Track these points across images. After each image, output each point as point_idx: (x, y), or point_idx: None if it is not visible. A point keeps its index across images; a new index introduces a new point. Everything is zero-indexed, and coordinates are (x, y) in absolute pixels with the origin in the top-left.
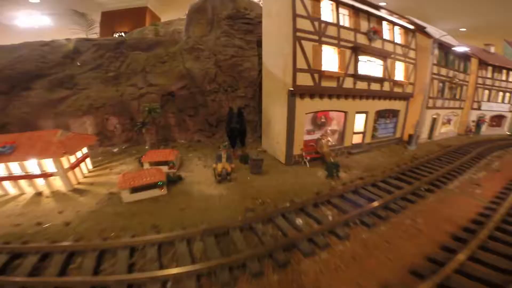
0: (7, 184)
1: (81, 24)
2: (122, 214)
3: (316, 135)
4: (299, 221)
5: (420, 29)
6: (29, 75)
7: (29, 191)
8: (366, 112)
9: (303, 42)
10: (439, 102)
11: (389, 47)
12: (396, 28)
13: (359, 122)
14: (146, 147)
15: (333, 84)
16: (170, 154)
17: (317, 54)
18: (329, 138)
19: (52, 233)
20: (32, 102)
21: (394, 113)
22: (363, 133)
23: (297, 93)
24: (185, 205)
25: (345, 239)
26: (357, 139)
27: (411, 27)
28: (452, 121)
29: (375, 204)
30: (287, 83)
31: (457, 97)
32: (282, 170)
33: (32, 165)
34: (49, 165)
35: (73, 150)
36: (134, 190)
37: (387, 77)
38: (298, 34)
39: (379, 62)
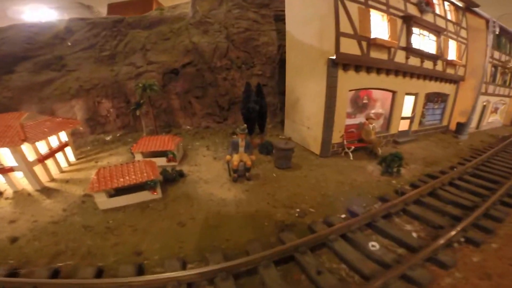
0: None
1: (87, 16)
2: (94, 228)
3: (357, 119)
4: (372, 245)
5: (471, 7)
6: (13, 57)
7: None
8: (415, 94)
9: (346, 2)
10: (490, 88)
11: (440, 23)
12: (446, 3)
13: (407, 105)
14: (144, 134)
15: (384, 56)
16: (169, 142)
17: (365, 18)
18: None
19: None
20: (14, 85)
21: (443, 98)
22: (411, 118)
23: (340, 63)
24: (186, 216)
25: (452, 267)
26: (403, 125)
27: (461, 4)
28: (499, 110)
29: (473, 212)
30: (326, 50)
31: (508, 84)
32: (318, 163)
33: None
34: (8, 156)
35: (37, 136)
36: (115, 192)
37: (440, 55)
38: None
39: (432, 37)
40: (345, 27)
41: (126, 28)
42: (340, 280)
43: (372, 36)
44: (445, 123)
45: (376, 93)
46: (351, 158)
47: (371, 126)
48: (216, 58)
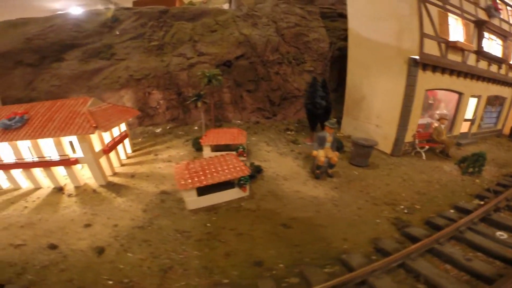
0: (17, 174)
1: None
2: (192, 234)
3: (424, 119)
4: (500, 234)
5: None
6: (61, 45)
7: (46, 184)
8: (478, 97)
9: (428, 5)
10: None
11: (505, 27)
12: (509, 8)
13: (470, 107)
14: (195, 128)
15: (458, 58)
16: (238, 135)
17: (444, 21)
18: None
19: (73, 269)
20: (63, 74)
21: (500, 101)
22: (472, 121)
23: (421, 62)
24: (286, 217)
25: None
26: (464, 128)
27: None
28: None
29: None
30: (406, 49)
31: None
32: (393, 162)
33: (49, 147)
34: (74, 146)
35: (108, 124)
36: (203, 190)
37: (505, 58)
38: None
39: (499, 41)
40: (427, 28)
41: (171, 19)
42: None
43: (451, 39)
44: (499, 126)
45: (440, 94)
46: (424, 158)
47: (443, 126)
48: (269, 52)
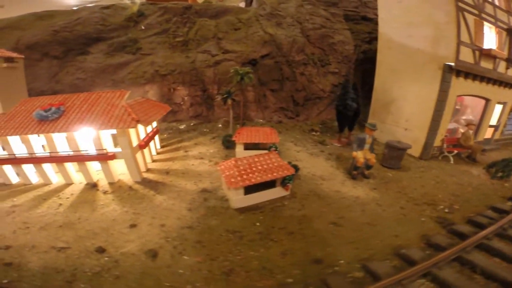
0: (48, 168)
1: None
2: (243, 233)
3: (451, 125)
4: None
5: None
6: (87, 38)
7: (78, 180)
8: (504, 103)
9: (465, 14)
10: None
11: None
12: None
13: (495, 114)
14: (219, 125)
15: (490, 65)
16: (272, 134)
17: (479, 29)
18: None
19: (129, 276)
20: (88, 67)
21: None
22: (496, 127)
23: (455, 69)
24: (334, 216)
25: None
26: (487, 134)
27: None
28: None
29: None
30: (441, 56)
31: None
32: (422, 165)
33: (85, 141)
34: (109, 141)
35: (147, 118)
36: (248, 189)
37: None
38: (460, 4)
39: None
40: (463, 36)
41: (194, 16)
42: None
43: (484, 46)
44: None
45: (467, 100)
46: (452, 162)
47: (470, 132)
48: (294, 52)
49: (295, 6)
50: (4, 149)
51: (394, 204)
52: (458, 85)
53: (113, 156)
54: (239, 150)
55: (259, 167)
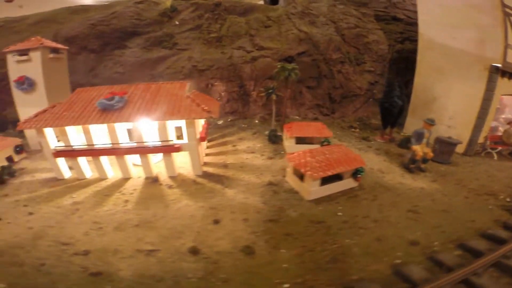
0: (105, 162)
1: None
2: (327, 223)
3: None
4: None
5: None
6: (123, 32)
7: (136, 174)
8: None
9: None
10: None
11: None
12: None
13: None
14: (256, 121)
15: None
16: (324, 129)
17: None
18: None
19: (236, 277)
20: (126, 61)
21: None
22: None
23: (501, 70)
24: (408, 205)
25: None
26: None
27: None
28: None
29: None
30: (487, 57)
31: None
32: (468, 161)
33: (147, 132)
34: (173, 133)
35: (214, 110)
36: (323, 180)
37: None
38: (507, 10)
39: None
40: (510, 39)
41: (223, 13)
42: None
43: None
44: None
45: (505, 99)
46: (495, 158)
47: None
48: (331, 50)
49: (327, 5)
50: (59, 140)
51: (457, 194)
52: (503, 85)
53: (179, 148)
54: (290, 144)
55: (335, 159)
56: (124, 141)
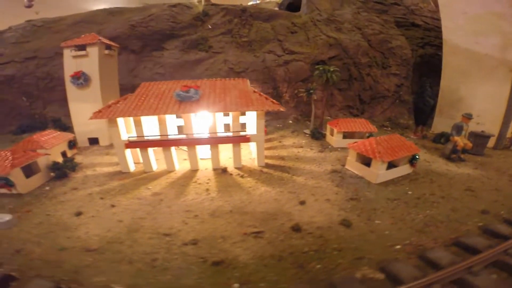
0: (174, 154)
1: None
2: (402, 199)
3: None
4: None
5: None
6: (161, 34)
7: (203, 167)
8: None
9: None
10: None
11: None
12: None
13: None
14: (290, 121)
15: None
16: (368, 124)
17: None
18: None
19: (349, 244)
20: (166, 62)
21: None
22: None
23: None
24: (460, 185)
25: None
26: None
27: None
28: None
29: None
30: (510, 60)
31: None
32: (499, 153)
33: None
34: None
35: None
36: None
37: None
38: None
39: None
40: None
41: (250, 18)
42: None
43: None
44: None
45: None
46: None
47: None
48: (360, 55)
49: (351, 13)
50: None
51: (501, 178)
52: None
53: (249, 139)
54: (338, 138)
55: (396, 146)
56: (196, 132)
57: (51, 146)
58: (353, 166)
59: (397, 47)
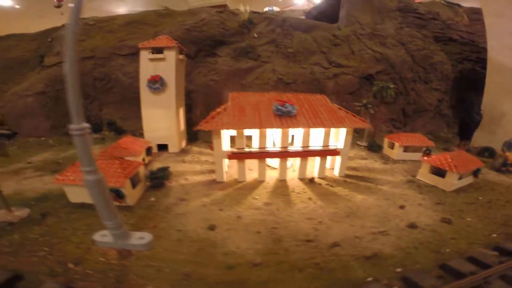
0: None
1: None
2: (478, 203)
3: None
4: None
5: None
6: (213, 40)
7: (291, 176)
8: None
9: None
10: None
11: None
12: None
13: None
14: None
15: None
16: (425, 139)
17: None
18: None
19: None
20: (220, 69)
21: None
22: None
23: None
24: None
25: None
26: None
27: None
28: None
29: None
30: None
31: None
32: None
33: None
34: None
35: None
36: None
37: None
38: None
39: None
40: None
41: (290, 29)
42: None
43: None
44: None
45: None
46: None
47: None
48: (405, 70)
49: (393, 28)
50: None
51: None
52: None
53: (338, 152)
54: (399, 151)
55: (464, 160)
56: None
57: (139, 154)
58: (425, 177)
59: (438, 63)
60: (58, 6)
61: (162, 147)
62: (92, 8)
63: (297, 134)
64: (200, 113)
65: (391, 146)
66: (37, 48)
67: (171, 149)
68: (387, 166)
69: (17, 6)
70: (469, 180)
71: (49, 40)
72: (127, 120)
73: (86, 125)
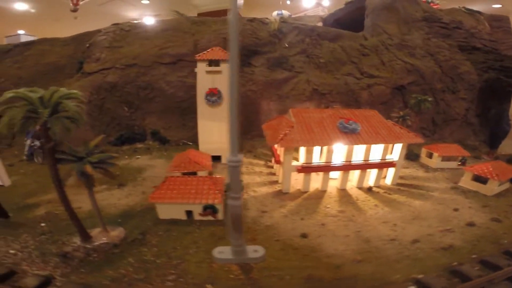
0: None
1: None
2: None
3: None
4: None
5: None
6: (247, 49)
7: (349, 186)
8: None
9: None
10: None
11: None
12: None
13: None
14: None
15: None
16: (461, 149)
17: None
18: None
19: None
20: (258, 80)
21: None
22: None
23: None
24: None
25: None
26: None
27: None
28: None
29: None
30: None
31: None
32: None
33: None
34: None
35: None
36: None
37: None
38: None
39: None
40: None
41: (318, 38)
42: None
43: None
44: None
45: None
46: None
47: None
48: (435, 81)
49: (421, 38)
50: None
51: None
52: None
53: (394, 164)
54: (437, 161)
55: (503, 169)
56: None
57: (209, 168)
58: (467, 184)
59: (465, 73)
60: (74, 10)
61: (215, 158)
62: (106, 13)
63: (358, 148)
64: (239, 124)
65: (429, 156)
66: (73, 54)
67: (224, 160)
68: (429, 174)
69: (33, 10)
70: (506, 186)
71: (87, 45)
72: (170, 130)
73: (241, 156)
